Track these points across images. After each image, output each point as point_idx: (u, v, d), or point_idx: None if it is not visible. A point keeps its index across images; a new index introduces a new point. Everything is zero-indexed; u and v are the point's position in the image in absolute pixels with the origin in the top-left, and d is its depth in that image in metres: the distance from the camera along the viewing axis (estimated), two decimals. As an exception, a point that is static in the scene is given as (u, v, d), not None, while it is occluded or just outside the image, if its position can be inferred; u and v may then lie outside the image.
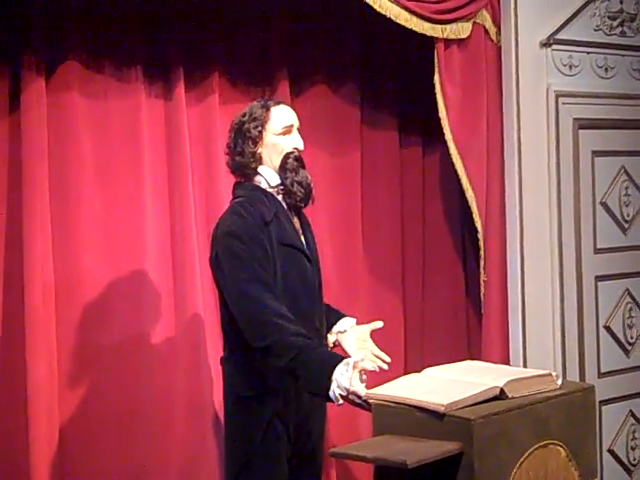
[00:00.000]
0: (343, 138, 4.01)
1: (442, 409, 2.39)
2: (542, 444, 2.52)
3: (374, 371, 2.77)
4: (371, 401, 2.55)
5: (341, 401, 2.63)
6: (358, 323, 3.12)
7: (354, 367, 2.61)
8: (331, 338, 3.08)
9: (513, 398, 2.51)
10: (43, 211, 3.28)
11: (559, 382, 2.68)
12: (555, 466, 2.57)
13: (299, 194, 2.92)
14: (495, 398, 2.50)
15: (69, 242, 3.38)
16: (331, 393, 2.62)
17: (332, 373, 2.61)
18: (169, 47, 3.55)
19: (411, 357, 4.09)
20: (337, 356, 2.70)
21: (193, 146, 3.62)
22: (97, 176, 3.44)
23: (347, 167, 4.03)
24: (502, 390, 2.51)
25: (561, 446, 2.58)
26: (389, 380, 2.74)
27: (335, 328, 3.08)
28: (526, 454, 2.47)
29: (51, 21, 3.32)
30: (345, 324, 3.09)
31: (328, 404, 3.00)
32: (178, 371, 3.54)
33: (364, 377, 2.64)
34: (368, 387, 2.77)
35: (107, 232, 3.46)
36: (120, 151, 3.48)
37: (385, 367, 2.90)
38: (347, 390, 2.59)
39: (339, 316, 3.12)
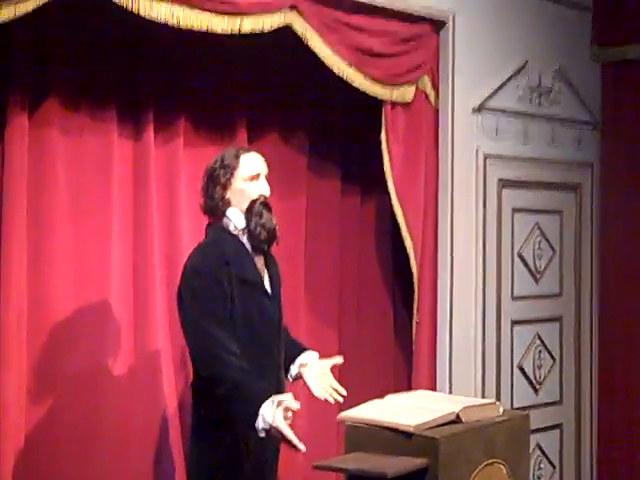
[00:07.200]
0: (291, 184, 4.32)
1: (411, 429, 2.74)
2: (489, 462, 2.90)
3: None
4: (347, 423, 2.86)
5: (263, 434, 2.89)
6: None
7: (278, 405, 2.85)
8: (293, 369, 3.31)
9: (467, 422, 2.88)
10: (20, 237, 3.46)
11: (501, 410, 3.07)
12: (498, 482, 2.95)
13: (262, 236, 3.17)
14: (451, 422, 2.87)
15: (42, 269, 3.55)
16: (257, 425, 2.88)
17: (259, 408, 2.87)
18: (142, 92, 3.80)
19: (345, 388, 4.39)
20: (266, 393, 2.92)
21: (158, 184, 3.86)
22: (70, 206, 3.65)
23: (293, 211, 4.33)
24: (458, 415, 2.88)
25: (503, 464, 2.96)
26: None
27: (298, 361, 3.31)
28: (477, 470, 2.84)
29: (35, 63, 3.54)
30: (307, 358, 3.32)
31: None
32: (136, 396, 3.74)
33: (289, 414, 2.85)
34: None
35: (76, 261, 3.65)
36: (92, 185, 3.70)
37: (340, 400, 3.16)
38: (270, 425, 2.85)
39: (302, 349, 3.36)
